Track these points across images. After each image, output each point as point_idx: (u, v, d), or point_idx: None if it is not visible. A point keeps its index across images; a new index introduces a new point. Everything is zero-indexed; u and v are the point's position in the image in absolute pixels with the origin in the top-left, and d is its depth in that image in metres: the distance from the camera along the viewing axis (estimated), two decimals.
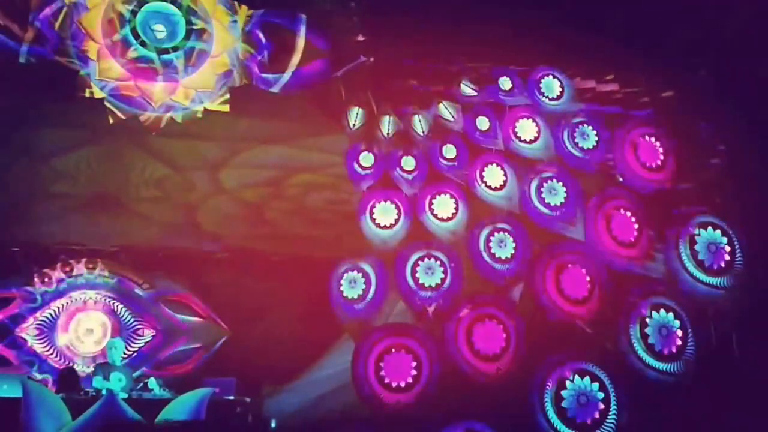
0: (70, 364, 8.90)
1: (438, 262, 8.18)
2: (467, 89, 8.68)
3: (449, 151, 8.56)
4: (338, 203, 9.12)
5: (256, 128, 8.75)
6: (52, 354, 9.26)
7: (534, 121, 8.66)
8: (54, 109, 8.26)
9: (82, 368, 8.98)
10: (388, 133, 8.54)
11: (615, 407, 7.79)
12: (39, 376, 9.03)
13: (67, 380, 7.79)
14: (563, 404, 7.78)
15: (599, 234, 8.34)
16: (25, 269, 9.39)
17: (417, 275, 8.15)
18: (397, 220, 8.37)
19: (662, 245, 8.37)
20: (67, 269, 9.50)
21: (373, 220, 8.35)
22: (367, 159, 8.50)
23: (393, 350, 7.84)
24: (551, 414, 7.79)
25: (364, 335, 8.00)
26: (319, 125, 8.66)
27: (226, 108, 7.87)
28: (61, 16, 7.39)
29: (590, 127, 8.65)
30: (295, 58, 7.93)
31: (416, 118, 8.63)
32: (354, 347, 7.96)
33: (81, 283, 9.50)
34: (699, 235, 8.29)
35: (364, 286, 8.18)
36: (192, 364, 9.54)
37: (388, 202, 8.40)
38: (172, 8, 7.62)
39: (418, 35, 8.14)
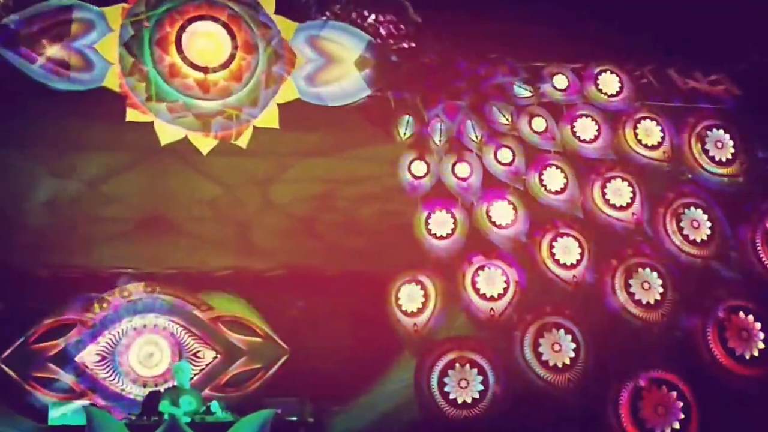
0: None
1: (499, 272, 7.91)
2: (521, 90, 8.36)
3: (505, 155, 8.26)
4: (391, 215, 8.89)
5: (303, 142, 8.59)
6: (113, 380, 9.27)
7: (593, 119, 8.32)
8: (101, 133, 8.23)
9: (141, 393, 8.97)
10: (440, 141, 8.28)
11: (696, 416, 7.47)
12: (102, 403, 9.05)
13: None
14: (640, 416, 7.49)
15: (669, 233, 8.04)
16: (84, 295, 9.41)
17: (477, 285, 7.89)
18: (453, 230, 8.10)
19: (737, 244, 8.01)
20: (125, 294, 9.52)
21: (429, 230, 8.10)
22: (419, 168, 8.27)
23: (457, 365, 7.65)
24: (628, 426, 7.52)
25: (425, 350, 7.80)
26: (368, 136, 8.44)
27: (275, 124, 7.77)
28: (105, 40, 7.37)
29: (654, 123, 8.30)
30: (341, 70, 7.79)
31: (469, 123, 8.31)
32: (415, 363, 7.76)
33: (140, 307, 9.50)
34: None
35: (423, 299, 7.94)
36: (253, 385, 9.45)
37: (444, 212, 8.13)
38: (217, 26, 7.56)
39: (467, 38, 7.89)
